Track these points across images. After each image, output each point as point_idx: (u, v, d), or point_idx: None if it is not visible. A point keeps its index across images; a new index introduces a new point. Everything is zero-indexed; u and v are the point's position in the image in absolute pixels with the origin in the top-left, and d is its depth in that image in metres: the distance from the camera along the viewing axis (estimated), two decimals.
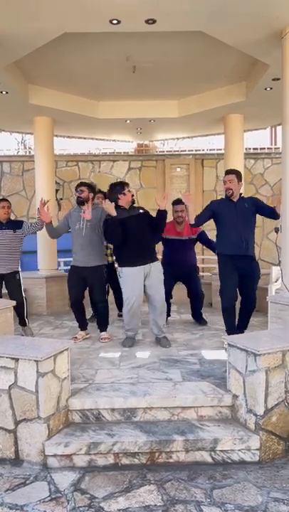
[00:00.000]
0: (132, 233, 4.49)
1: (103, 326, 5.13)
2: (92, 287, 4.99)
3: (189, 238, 5.64)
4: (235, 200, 4.53)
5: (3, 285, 5.31)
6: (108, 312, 5.11)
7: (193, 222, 4.61)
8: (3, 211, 5.25)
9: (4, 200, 5.41)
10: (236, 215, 4.48)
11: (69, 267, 5.16)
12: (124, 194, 4.60)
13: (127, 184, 4.71)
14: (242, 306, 4.64)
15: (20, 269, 5.42)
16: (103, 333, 5.10)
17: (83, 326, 5.19)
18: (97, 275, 4.91)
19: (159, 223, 4.62)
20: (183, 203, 5.26)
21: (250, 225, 4.54)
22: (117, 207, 4.51)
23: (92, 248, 4.87)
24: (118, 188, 4.63)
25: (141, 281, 4.56)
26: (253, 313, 4.71)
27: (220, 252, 4.61)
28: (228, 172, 4.66)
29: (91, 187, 4.99)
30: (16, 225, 5.32)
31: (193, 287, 5.82)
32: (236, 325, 4.61)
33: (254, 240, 4.62)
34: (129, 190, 4.64)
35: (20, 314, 5.31)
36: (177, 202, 5.64)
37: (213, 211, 4.61)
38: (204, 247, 6.05)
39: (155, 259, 4.66)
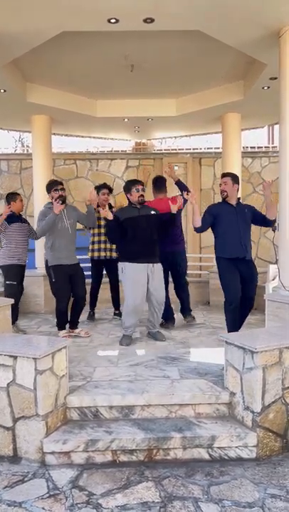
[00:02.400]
0: (137, 232, 4.61)
1: (77, 322, 5.23)
2: (76, 283, 5.04)
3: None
4: (233, 203, 4.48)
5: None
6: None
7: (198, 225, 4.47)
8: (21, 204, 5.55)
9: (18, 193, 5.62)
10: (236, 219, 4.42)
11: (52, 268, 5.01)
12: (131, 194, 4.72)
13: (136, 183, 4.72)
14: (241, 308, 4.50)
15: None
16: (78, 329, 5.19)
17: (64, 326, 5.17)
18: (81, 271, 5.14)
19: (167, 230, 4.71)
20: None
21: (248, 229, 4.52)
22: (130, 204, 4.78)
23: (74, 245, 5.12)
24: (127, 186, 4.79)
25: (144, 280, 4.61)
26: (251, 312, 4.71)
27: (220, 255, 4.48)
28: (223, 175, 4.67)
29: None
30: (26, 220, 5.61)
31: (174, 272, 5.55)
32: None
33: (251, 245, 4.57)
34: (137, 190, 4.67)
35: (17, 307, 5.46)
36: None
37: (214, 215, 4.52)
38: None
39: (158, 260, 4.73)
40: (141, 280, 4.60)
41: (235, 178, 4.56)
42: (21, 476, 2.80)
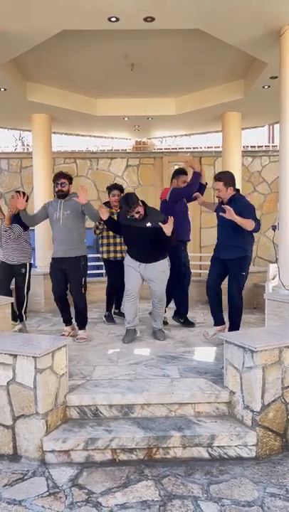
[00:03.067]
0: (131, 240, 4.73)
1: (81, 323, 4.97)
2: (69, 278, 4.84)
3: None
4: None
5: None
6: (86, 307, 4.93)
7: None
8: (14, 201, 5.30)
9: (16, 191, 5.43)
10: (219, 220, 4.59)
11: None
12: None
13: (128, 209, 4.45)
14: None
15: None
16: (80, 331, 4.95)
17: (68, 321, 5.12)
18: (75, 266, 4.80)
19: (165, 245, 4.64)
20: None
21: (231, 229, 4.34)
22: None
23: (71, 239, 4.78)
24: (121, 207, 4.68)
25: (135, 269, 4.71)
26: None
27: None
28: (215, 179, 4.50)
29: (71, 178, 4.91)
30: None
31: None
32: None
33: (240, 242, 4.42)
34: (131, 216, 4.49)
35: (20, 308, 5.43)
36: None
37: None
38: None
39: (155, 261, 4.68)
40: (132, 269, 4.73)
41: (227, 181, 4.43)
42: (21, 475, 2.80)
